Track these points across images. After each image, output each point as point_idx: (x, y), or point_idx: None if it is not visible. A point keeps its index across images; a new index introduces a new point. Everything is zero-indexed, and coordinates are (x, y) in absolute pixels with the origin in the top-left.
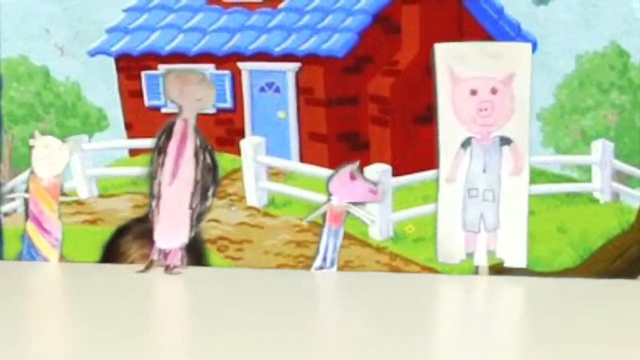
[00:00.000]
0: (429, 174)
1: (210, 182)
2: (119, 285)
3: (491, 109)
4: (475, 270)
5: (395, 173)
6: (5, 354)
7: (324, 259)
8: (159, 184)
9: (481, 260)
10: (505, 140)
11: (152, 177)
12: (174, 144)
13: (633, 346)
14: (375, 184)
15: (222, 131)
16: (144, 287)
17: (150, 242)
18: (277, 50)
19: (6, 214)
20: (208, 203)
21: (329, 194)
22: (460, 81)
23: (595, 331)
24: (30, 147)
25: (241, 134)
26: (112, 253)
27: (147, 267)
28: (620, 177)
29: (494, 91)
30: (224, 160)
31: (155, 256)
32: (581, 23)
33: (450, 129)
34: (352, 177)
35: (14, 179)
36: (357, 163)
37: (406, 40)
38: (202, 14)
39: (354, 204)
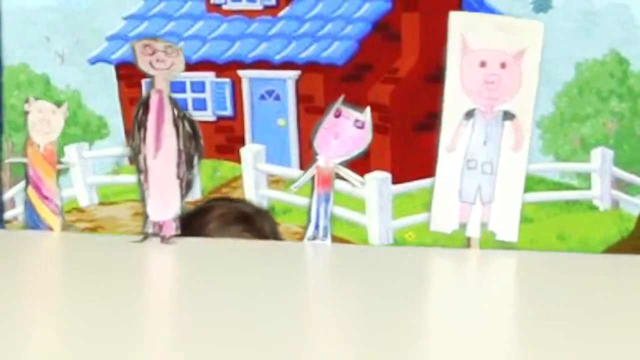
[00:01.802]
0: (428, 182)
1: (193, 150)
2: (116, 254)
3: (498, 83)
4: (467, 242)
5: (395, 181)
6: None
7: (316, 226)
8: (144, 157)
9: (474, 232)
10: (508, 115)
11: (136, 152)
12: (152, 117)
13: (623, 317)
14: (361, 114)
15: (222, 139)
16: (140, 256)
17: (236, 224)
18: (277, 58)
19: (7, 222)
20: (195, 171)
21: (315, 154)
22: (471, 52)
23: (586, 304)
24: (25, 113)
25: (241, 141)
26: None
27: (143, 239)
28: (620, 184)
29: (503, 65)
30: (224, 168)
31: (149, 229)
32: (581, 31)
33: (455, 98)
34: (337, 115)
35: (14, 187)
36: (342, 97)
37: (406, 48)
38: (202, 21)
39: (343, 164)
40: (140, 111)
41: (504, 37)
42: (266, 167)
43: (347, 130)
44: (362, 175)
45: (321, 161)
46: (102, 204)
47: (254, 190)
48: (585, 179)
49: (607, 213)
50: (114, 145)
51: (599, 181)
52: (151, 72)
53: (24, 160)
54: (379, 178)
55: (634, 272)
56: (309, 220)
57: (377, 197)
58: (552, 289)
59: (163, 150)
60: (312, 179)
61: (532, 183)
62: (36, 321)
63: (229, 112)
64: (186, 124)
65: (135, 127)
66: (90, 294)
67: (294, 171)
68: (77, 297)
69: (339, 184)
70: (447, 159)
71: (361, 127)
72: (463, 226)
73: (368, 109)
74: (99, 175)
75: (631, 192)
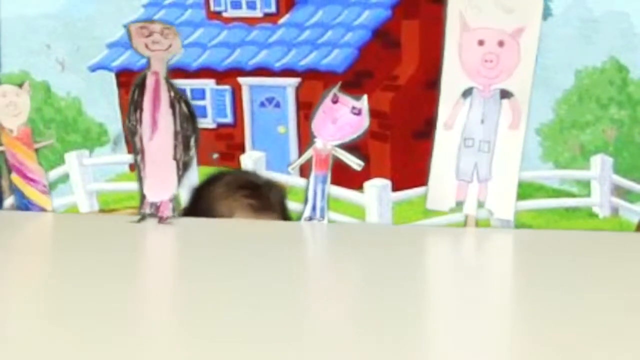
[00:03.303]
0: None
1: (190, 131)
2: (113, 234)
3: (496, 61)
4: (465, 220)
5: (395, 188)
6: None
7: (313, 207)
8: (140, 139)
9: (470, 210)
10: (505, 94)
11: (132, 133)
12: (148, 98)
13: (618, 294)
14: (358, 101)
15: (223, 146)
16: (137, 237)
17: (241, 190)
18: (277, 65)
19: None
20: (191, 152)
21: (313, 137)
22: (470, 29)
23: (583, 281)
24: None
25: (241, 148)
26: (201, 198)
27: (140, 220)
28: (619, 191)
29: (501, 43)
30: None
31: (146, 210)
32: (580, 38)
33: (453, 76)
34: (335, 101)
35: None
36: (339, 84)
37: (406, 55)
38: (203, 29)
39: (341, 146)
40: (136, 92)
41: (502, 15)
42: (266, 174)
43: (344, 116)
44: (361, 182)
45: (319, 143)
46: (102, 210)
47: None
48: (584, 186)
49: (607, 220)
50: (114, 153)
51: (599, 188)
52: (147, 53)
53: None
54: (378, 185)
55: (628, 249)
56: (305, 201)
57: (377, 204)
58: (549, 266)
59: (159, 131)
60: (310, 160)
61: (532, 190)
62: (31, 303)
63: (229, 119)
64: (183, 106)
65: (131, 108)
66: (86, 273)
67: (294, 178)
68: (73, 276)
69: (339, 190)
70: (445, 137)
71: (358, 114)
72: (460, 204)
73: (365, 96)
74: (99, 182)
75: (631, 199)
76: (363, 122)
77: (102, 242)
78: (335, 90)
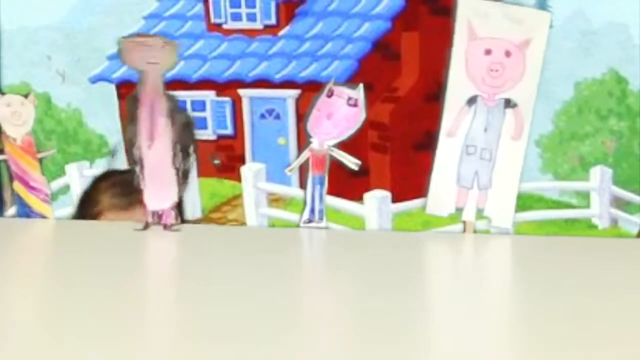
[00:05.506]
0: None
1: (188, 139)
2: (115, 242)
3: (502, 71)
4: (463, 227)
5: (395, 199)
6: None
7: (312, 210)
8: (139, 149)
9: (469, 217)
10: (509, 103)
11: (131, 144)
12: (144, 108)
13: (617, 297)
14: (354, 91)
15: (223, 157)
16: (141, 244)
17: (124, 193)
18: (277, 77)
19: None
20: (191, 159)
21: (309, 137)
22: (477, 38)
23: (581, 286)
24: None
25: (242, 160)
26: (85, 198)
27: (144, 228)
28: (619, 203)
29: (507, 54)
30: (225, 186)
31: (149, 219)
32: (580, 50)
33: (458, 83)
34: (329, 95)
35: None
36: (333, 79)
37: (406, 67)
38: (203, 41)
39: (338, 146)
40: (132, 104)
41: (510, 26)
42: (266, 185)
43: (340, 110)
44: (361, 194)
45: (315, 144)
46: None
47: (254, 209)
48: (584, 197)
49: (606, 231)
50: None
51: (598, 200)
52: (142, 67)
53: (2, 157)
54: (378, 197)
55: (627, 255)
56: (304, 204)
57: (377, 216)
58: (548, 271)
59: (157, 141)
60: (306, 162)
61: (532, 201)
62: (34, 309)
63: (229, 130)
64: (180, 114)
65: (128, 119)
66: (90, 278)
67: (294, 190)
68: (75, 282)
69: (338, 202)
70: (447, 144)
71: (354, 105)
72: (459, 210)
73: (361, 85)
74: None
75: (630, 210)
76: (359, 116)
77: (104, 249)
78: (329, 85)
